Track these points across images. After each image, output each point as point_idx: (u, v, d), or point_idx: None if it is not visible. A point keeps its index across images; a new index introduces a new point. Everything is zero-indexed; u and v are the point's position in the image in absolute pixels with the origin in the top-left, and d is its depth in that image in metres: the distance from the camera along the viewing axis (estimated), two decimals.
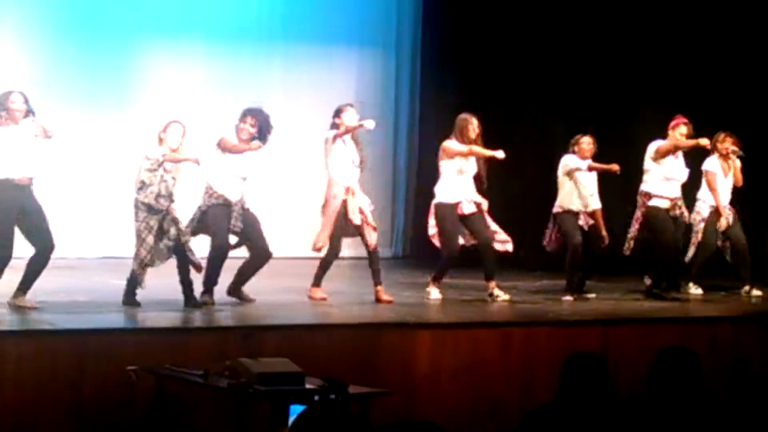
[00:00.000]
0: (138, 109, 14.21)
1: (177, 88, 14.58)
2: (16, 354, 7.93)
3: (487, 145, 10.75)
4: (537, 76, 15.01)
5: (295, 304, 10.11)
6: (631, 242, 11.58)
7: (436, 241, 10.76)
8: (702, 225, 11.90)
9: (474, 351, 9.21)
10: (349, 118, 10.50)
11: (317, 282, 10.42)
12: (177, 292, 9.53)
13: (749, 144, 12.27)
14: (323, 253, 10.43)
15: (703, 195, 11.98)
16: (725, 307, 11.16)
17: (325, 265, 10.44)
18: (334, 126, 10.54)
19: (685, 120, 11.57)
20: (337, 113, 10.60)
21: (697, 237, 11.92)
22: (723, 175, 12.00)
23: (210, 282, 9.89)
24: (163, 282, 9.58)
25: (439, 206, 10.73)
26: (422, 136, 15.78)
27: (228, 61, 14.89)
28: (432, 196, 10.89)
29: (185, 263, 9.54)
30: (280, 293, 10.45)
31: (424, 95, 15.93)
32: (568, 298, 11.17)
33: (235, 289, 10.09)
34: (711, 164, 11.98)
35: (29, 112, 9.38)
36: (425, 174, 15.67)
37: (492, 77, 15.00)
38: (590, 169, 11.33)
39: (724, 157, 11.96)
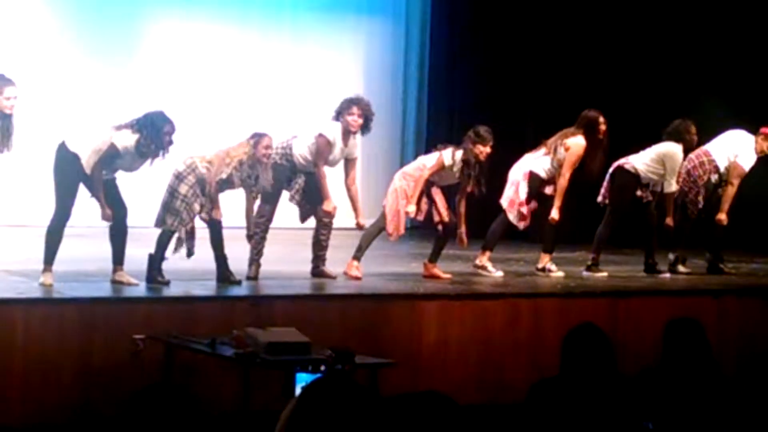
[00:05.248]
0: (146, 81, 14.18)
1: (186, 59, 14.53)
2: (24, 322, 7.96)
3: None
4: (550, 46, 14.85)
5: (304, 274, 10.07)
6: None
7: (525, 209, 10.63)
8: None
9: (481, 322, 9.22)
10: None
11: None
12: (184, 262, 9.51)
13: None
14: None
15: None
16: (733, 280, 11.15)
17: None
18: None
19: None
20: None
21: None
22: None
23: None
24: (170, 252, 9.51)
25: None
26: (430, 106, 15.71)
27: (236, 30, 14.83)
28: None
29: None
30: (290, 264, 10.40)
31: (433, 65, 15.84)
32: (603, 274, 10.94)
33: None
34: None
35: None
36: (435, 143, 15.64)
37: (503, 48, 14.89)
38: None
39: None
